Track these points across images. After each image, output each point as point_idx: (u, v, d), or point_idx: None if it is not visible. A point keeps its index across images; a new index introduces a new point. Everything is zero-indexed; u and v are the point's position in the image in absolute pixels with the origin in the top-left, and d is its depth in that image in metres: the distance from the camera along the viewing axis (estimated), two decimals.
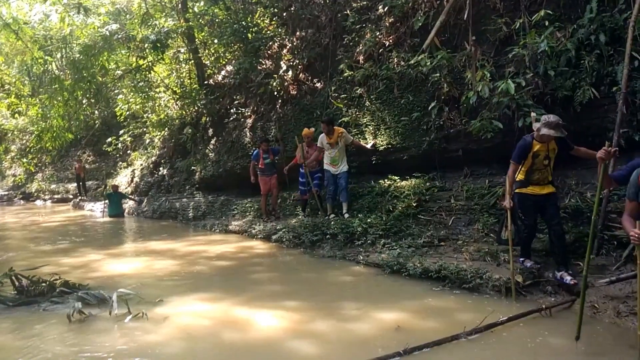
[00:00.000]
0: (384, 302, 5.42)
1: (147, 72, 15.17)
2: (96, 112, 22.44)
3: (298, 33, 11.76)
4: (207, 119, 14.53)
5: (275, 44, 12.42)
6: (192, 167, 14.44)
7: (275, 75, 11.44)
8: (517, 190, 5.51)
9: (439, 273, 5.96)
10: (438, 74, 7.84)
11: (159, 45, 12.99)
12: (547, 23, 6.68)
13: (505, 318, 4.56)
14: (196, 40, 14.70)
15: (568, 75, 6.50)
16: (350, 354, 4.02)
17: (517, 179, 5.48)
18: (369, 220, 7.89)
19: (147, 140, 18.75)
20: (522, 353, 4.11)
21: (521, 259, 5.74)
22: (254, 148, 11.80)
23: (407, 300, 5.49)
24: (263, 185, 10.32)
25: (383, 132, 8.86)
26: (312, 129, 9.35)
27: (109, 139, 19.94)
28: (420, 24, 8.41)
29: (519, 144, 5.39)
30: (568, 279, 5.12)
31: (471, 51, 7.26)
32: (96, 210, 17.85)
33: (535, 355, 4.08)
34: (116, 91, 18.55)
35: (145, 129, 18.39)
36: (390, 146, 8.74)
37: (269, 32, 12.52)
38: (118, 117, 18.10)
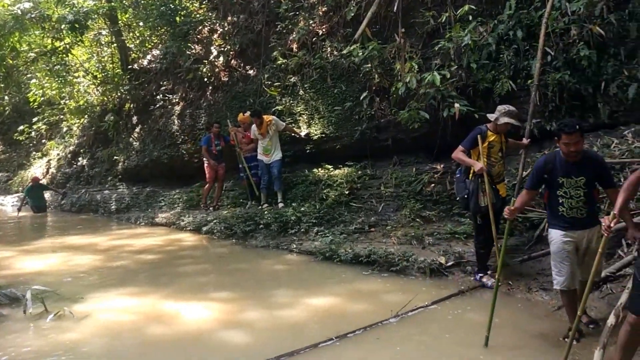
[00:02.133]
0: (316, 289, 5.50)
1: (64, 55, 14.20)
2: (6, 97, 20.70)
3: (230, 18, 11.49)
4: (131, 106, 13.85)
5: (206, 29, 12.08)
6: (115, 157, 13.75)
7: (206, 61, 11.13)
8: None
9: (368, 258, 6.14)
10: (369, 65, 7.99)
11: (77, 26, 12.15)
12: (470, 18, 7.01)
13: (430, 302, 4.80)
14: (119, 22, 13.94)
15: (489, 68, 6.87)
16: (281, 340, 4.03)
17: (472, 181, 5.24)
18: (302, 209, 7.95)
19: (65, 129, 17.57)
20: (443, 328, 4.33)
21: (479, 275, 5.34)
22: (182, 136, 11.45)
23: (338, 285, 5.61)
24: (210, 172, 9.87)
25: (317, 122, 8.92)
26: (248, 114, 9.21)
27: (21, 127, 18.56)
28: (352, 15, 8.53)
29: (474, 131, 5.21)
30: (489, 283, 5.14)
31: (400, 43, 7.48)
32: (6, 204, 16.50)
33: (455, 328, 4.31)
34: (29, 75, 17.20)
35: (62, 116, 17.25)
36: (324, 135, 8.82)
37: (198, 15, 12.14)
38: (31, 104, 16.81)
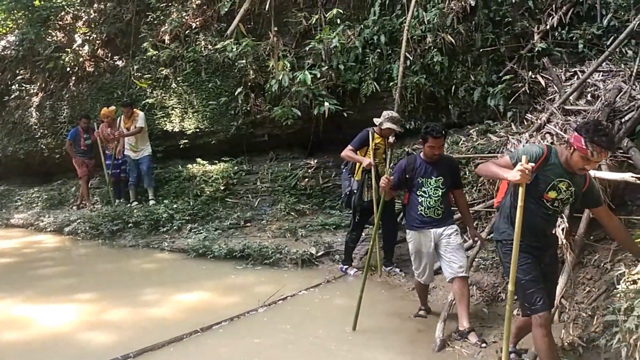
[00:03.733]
0: (186, 285, 5.41)
1: None
2: None
3: (96, 5, 10.73)
4: None
5: (69, 15, 11.14)
6: None
7: (69, 50, 10.27)
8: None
9: (243, 252, 6.21)
10: (244, 61, 8.02)
11: None
12: (339, 21, 7.38)
13: (298, 291, 5.02)
14: None
15: (356, 70, 7.31)
16: (147, 336, 3.93)
17: (356, 179, 5.47)
18: (175, 205, 7.75)
19: None
20: (308, 314, 4.55)
21: (344, 267, 5.66)
22: (41, 130, 10.47)
23: (210, 281, 5.58)
24: (82, 168, 9.09)
25: (191, 116, 8.72)
26: (112, 108, 8.68)
27: None
28: (226, 9, 8.46)
29: (362, 133, 5.46)
30: (352, 274, 5.56)
31: (274, 41, 7.61)
32: None
33: (321, 313, 4.57)
34: None
35: None
36: (198, 130, 8.65)
37: (60, 0, 11.15)
38: None
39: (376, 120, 5.44)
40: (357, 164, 5.46)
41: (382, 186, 4.01)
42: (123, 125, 8.31)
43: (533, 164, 2.79)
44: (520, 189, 2.74)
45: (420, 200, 4.10)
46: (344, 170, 5.72)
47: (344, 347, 3.83)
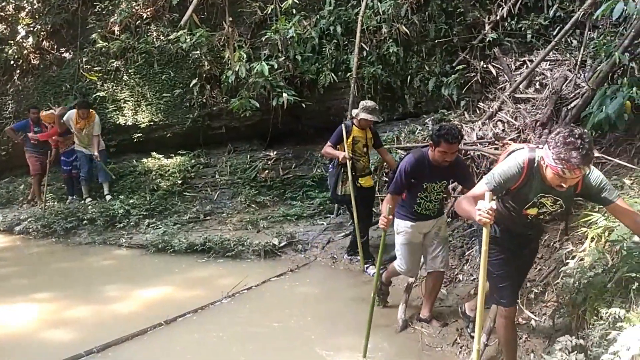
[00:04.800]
0: (148, 280, 5.34)
1: None
2: None
3: None
4: None
5: (11, 6, 10.57)
6: None
7: (12, 42, 9.76)
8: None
9: (204, 245, 6.14)
10: (198, 52, 7.87)
11: None
12: (295, 11, 7.35)
13: (261, 281, 5.04)
14: None
15: (313, 61, 7.32)
16: (110, 332, 3.86)
17: (344, 172, 5.21)
18: (131, 201, 7.54)
19: None
20: (271, 303, 4.60)
21: (365, 266, 5.21)
22: None
23: (172, 275, 5.52)
24: (35, 164, 8.61)
25: (144, 109, 8.48)
26: (51, 112, 8.32)
27: None
28: (178, 0, 8.27)
29: (339, 127, 5.23)
30: (371, 272, 5.13)
31: (229, 32, 7.50)
32: None
33: (283, 302, 4.62)
34: None
35: None
36: (152, 123, 8.43)
37: None
38: None
39: (354, 112, 5.29)
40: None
41: (382, 227, 3.55)
42: (74, 125, 7.97)
43: (494, 205, 2.38)
44: (484, 230, 2.43)
45: (418, 202, 3.77)
46: (330, 167, 5.55)
47: (306, 333, 3.89)
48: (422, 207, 3.78)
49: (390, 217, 3.59)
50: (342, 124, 5.29)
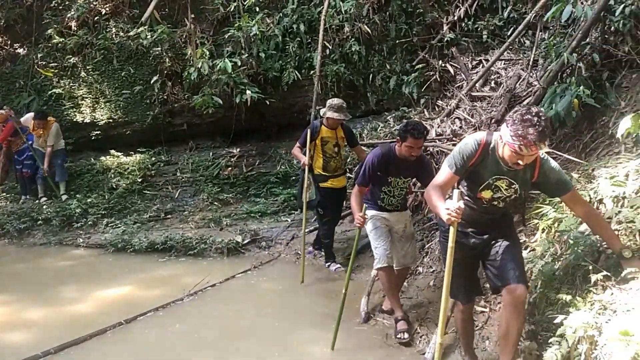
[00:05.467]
0: (107, 280, 5.22)
1: None
2: None
3: None
4: None
5: None
6: None
7: None
8: (321, 185, 5.09)
9: (165, 244, 6.06)
10: (160, 48, 7.74)
11: None
12: (258, 9, 7.34)
13: (224, 279, 5.02)
14: None
15: (277, 58, 7.33)
16: (69, 333, 3.77)
17: (315, 173, 5.10)
18: (89, 200, 7.37)
19: None
20: (234, 300, 4.60)
21: (327, 264, 5.30)
22: None
23: (132, 275, 5.42)
24: None
25: (103, 106, 8.27)
26: (3, 112, 8.01)
27: None
28: None
29: (307, 128, 5.09)
30: (334, 268, 5.23)
31: (191, 28, 7.42)
32: None
33: (247, 298, 4.63)
34: None
35: None
36: (111, 120, 8.23)
37: None
38: None
39: (322, 111, 5.10)
40: (314, 161, 5.10)
41: (358, 226, 3.68)
42: (31, 130, 7.73)
43: (462, 205, 2.41)
44: (451, 228, 2.45)
45: (382, 197, 3.87)
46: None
47: (272, 328, 3.92)
48: (386, 202, 3.88)
49: (366, 215, 3.72)
50: (311, 123, 5.18)
